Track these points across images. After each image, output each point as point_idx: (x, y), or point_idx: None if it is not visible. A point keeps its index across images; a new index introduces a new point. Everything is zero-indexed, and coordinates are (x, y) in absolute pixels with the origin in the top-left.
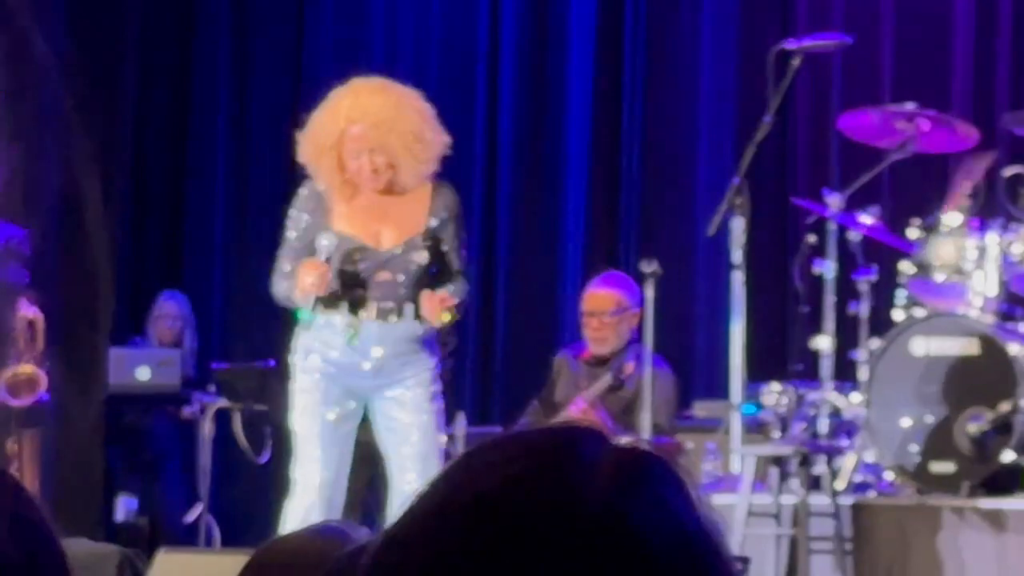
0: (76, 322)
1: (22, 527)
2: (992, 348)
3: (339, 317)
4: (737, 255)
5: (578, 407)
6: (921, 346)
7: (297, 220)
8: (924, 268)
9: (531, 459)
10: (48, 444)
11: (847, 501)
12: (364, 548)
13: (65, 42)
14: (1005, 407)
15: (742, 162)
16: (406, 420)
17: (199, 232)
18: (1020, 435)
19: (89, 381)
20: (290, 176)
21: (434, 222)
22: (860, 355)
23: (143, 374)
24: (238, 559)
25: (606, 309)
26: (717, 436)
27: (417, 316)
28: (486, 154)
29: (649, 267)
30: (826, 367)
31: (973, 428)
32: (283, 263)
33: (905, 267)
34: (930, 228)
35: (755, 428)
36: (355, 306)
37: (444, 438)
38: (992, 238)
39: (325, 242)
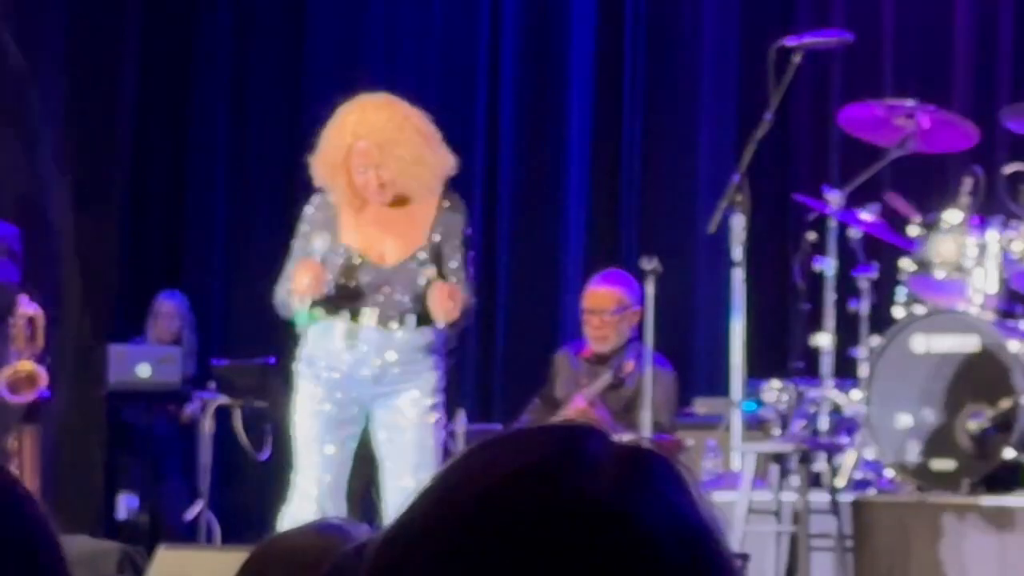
0: (76, 319)
1: (19, 524)
2: (992, 345)
3: (340, 323)
4: (737, 252)
5: (578, 405)
6: (921, 343)
7: (305, 234)
8: (924, 265)
9: (534, 457)
10: (48, 441)
11: (847, 498)
12: (365, 545)
13: (65, 42)
14: (1005, 404)
15: (742, 159)
16: (403, 430)
17: (199, 230)
18: (1020, 432)
19: (89, 378)
20: (290, 174)
21: (436, 237)
22: (860, 352)
23: (143, 371)
24: (238, 556)
25: (607, 307)
26: (717, 433)
27: (419, 325)
28: (487, 153)
29: (649, 264)
30: (826, 364)
31: (973, 425)
32: (288, 273)
33: (905, 264)
34: (930, 225)
35: (755, 425)
36: (356, 314)
37: (441, 450)
38: (992, 235)
39: (319, 242)
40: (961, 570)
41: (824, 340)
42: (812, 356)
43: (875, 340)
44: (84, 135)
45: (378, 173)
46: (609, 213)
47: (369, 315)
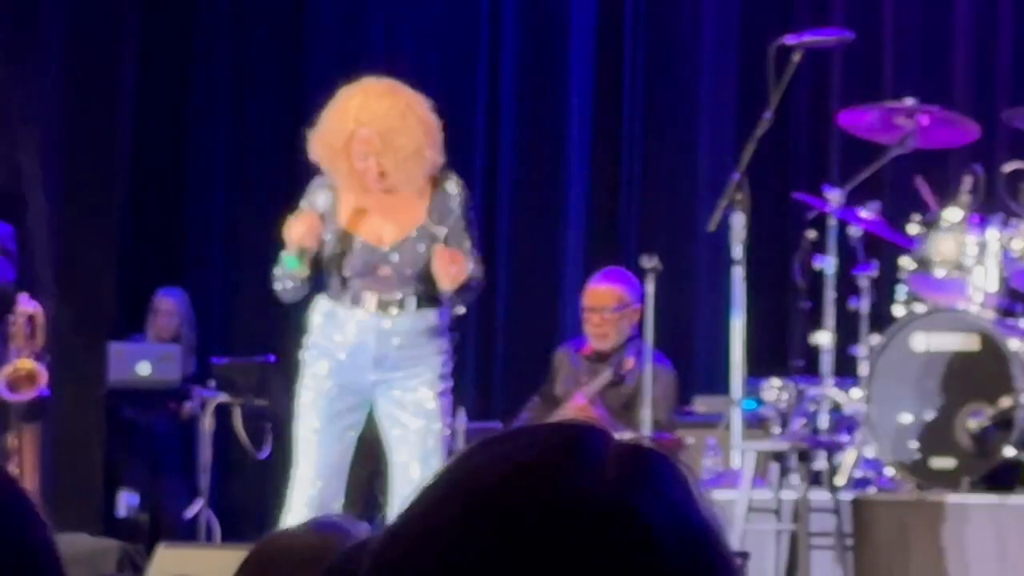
0: (76, 317)
1: (15, 524)
2: (992, 344)
3: (340, 309)
4: (737, 251)
5: (578, 403)
6: (921, 342)
7: (303, 208)
8: (924, 264)
9: (534, 456)
10: (48, 439)
11: (847, 497)
12: (365, 544)
13: (65, 40)
14: (1005, 403)
15: (742, 157)
16: (409, 417)
17: (199, 227)
18: (1020, 431)
19: (89, 376)
20: (290, 172)
21: (435, 216)
22: (860, 351)
23: (143, 369)
24: (238, 554)
25: (607, 305)
26: (717, 432)
27: (420, 307)
28: (487, 151)
29: (649, 263)
30: (826, 363)
31: (973, 424)
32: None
33: (905, 263)
34: (930, 224)
35: (755, 424)
36: (356, 299)
37: (448, 432)
38: (992, 234)
39: (322, 199)
40: (961, 568)
41: (824, 338)
42: (812, 354)
43: (875, 338)
44: (84, 133)
45: (379, 161)
46: (609, 212)
47: (369, 300)
